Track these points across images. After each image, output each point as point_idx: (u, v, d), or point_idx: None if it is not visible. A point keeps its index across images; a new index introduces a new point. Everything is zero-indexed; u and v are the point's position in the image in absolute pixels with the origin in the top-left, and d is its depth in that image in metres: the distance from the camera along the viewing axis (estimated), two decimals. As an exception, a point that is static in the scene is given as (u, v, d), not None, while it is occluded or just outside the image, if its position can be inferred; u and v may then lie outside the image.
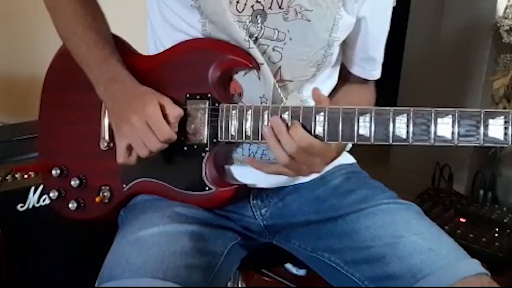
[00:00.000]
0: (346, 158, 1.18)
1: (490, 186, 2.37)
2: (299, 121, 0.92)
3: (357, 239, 1.00)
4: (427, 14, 2.68)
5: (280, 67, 1.03)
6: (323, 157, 0.95)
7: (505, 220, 2.16)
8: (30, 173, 1.48)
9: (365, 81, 1.18)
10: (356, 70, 1.16)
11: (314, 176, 1.11)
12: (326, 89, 1.12)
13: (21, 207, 1.48)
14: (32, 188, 1.47)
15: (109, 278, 0.90)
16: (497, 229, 2.10)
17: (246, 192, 1.08)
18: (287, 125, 0.92)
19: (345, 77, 1.17)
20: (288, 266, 1.86)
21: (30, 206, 1.49)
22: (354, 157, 1.21)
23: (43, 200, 1.47)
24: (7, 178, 1.46)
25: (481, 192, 2.36)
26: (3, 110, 2.03)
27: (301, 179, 1.10)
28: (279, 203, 1.10)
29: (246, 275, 1.54)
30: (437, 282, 0.90)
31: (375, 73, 1.17)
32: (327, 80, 1.12)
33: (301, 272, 1.89)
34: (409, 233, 0.97)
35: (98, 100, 1.07)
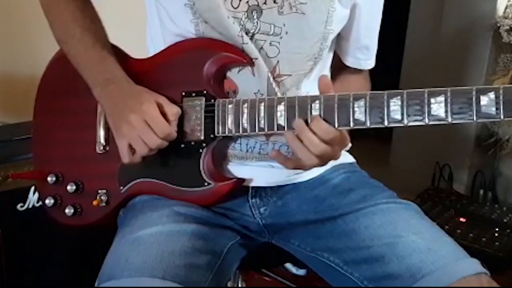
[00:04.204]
0: (346, 158, 1.18)
1: (490, 186, 2.37)
2: (320, 112, 0.92)
3: (356, 239, 1.00)
4: (427, 14, 2.68)
5: (278, 61, 1.03)
6: (342, 145, 0.96)
7: (505, 220, 2.16)
8: (30, 173, 1.49)
9: (359, 70, 1.18)
10: (350, 61, 1.17)
11: (313, 175, 1.12)
12: None
13: (21, 207, 1.48)
14: (32, 188, 1.48)
15: (108, 278, 0.90)
16: (497, 229, 2.10)
17: (244, 188, 1.08)
18: (306, 121, 0.92)
19: (340, 67, 1.18)
20: (288, 265, 1.87)
21: (30, 206, 1.49)
22: (354, 156, 1.21)
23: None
24: (8, 178, 1.46)
25: (481, 192, 2.36)
26: (3, 110, 2.03)
27: (300, 178, 1.11)
28: (278, 202, 1.10)
29: (246, 275, 1.54)
30: (436, 281, 0.90)
31: (370, 62, 1.18)
32: (322, 73, 1.12)
33: (301, 272, 1.89)
34: (408, 232, 0.97)
35: (92, 104, 1.08)
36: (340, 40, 1.14)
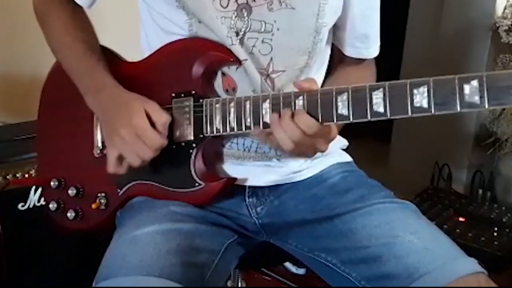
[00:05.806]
0: (343, 157, 1.18)
1: (489, 185, 2.37)
2: (303, 108, 0.91)
3: (353, 239, 1.00)
4: (426, 14, 2.68)
5: (271, 58, 1.03)
6: (326, 138, 0.95)
7: (503, 219, 2.16)
8: (31, 172, 1.50)
9: (361, 61, 1.16)
10: (349, 51, 1.15)
11: (310, 174, 1.12)
12: (321, 78, 1.13)
13: (22, 206, 1.49)
14: (33, 188, 1.48)
15: (105, 277, 0.90)
16: (496, 228, 2.10)
17: (241, 188, 1.08)
18: (292, 114, 0.91)
19: (340, 59, 1.17)
20: (288, 265, 1.87)
21: (31, 206, 1.49)
22: (353, 156, 1.20)
23: (44, 200, 1.48)
24: (7, 177, 1.47)
25: (480, 191, 2.36)
26: (3, 110, 2.04)
27: (297, 177, 1.11)
28: (275, 201, 1.11)
29: (246, 274, 1.54)
30: (433, 281, 0.90)
31: (371, 51, 1.16)
32: (321, 67, 1.13)
33: (301, 271, 1.90)
34: (405, 232, 0.97)
35: (90, 110, 1.09)
36: (336, 30, 1.13)
